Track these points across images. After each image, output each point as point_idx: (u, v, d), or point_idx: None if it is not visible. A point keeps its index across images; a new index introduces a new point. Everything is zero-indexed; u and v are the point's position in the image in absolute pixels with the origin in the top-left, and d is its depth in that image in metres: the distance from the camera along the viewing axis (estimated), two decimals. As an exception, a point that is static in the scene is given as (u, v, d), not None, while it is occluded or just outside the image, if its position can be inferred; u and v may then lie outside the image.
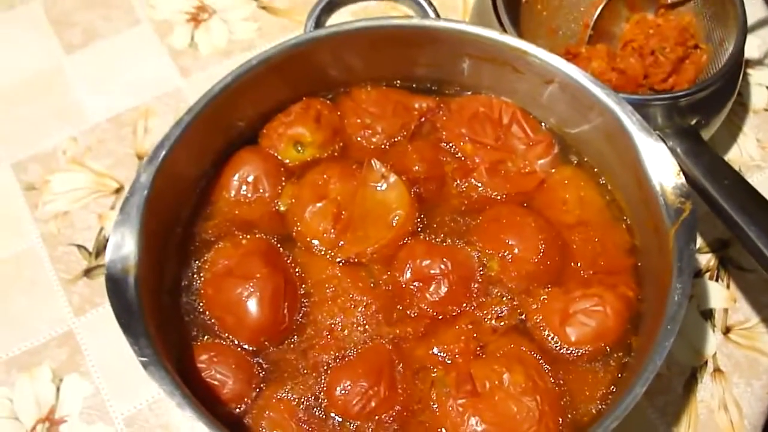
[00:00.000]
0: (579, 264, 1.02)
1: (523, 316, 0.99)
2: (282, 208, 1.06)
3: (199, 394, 0.86)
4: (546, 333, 0.97)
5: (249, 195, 1.06)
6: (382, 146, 1.12)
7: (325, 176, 1.05)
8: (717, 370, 1.14)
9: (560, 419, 0.91)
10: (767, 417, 1.13)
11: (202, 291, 0.99)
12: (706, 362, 1.15)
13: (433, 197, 1.07)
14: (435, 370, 0.94)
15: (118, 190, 1.28)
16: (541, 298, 0.99)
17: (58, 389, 1.12)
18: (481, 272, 1.01)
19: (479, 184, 1.08)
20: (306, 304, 0.99)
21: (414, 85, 1.17)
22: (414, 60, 1.13)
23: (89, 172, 1.30)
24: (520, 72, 1.07)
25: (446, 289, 0.97)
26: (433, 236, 1.03)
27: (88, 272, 1.21)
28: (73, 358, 1.14)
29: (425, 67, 1.14)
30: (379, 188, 1.03)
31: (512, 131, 1.12)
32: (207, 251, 1.02)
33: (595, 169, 1.10)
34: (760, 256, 1.01)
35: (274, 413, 0.92)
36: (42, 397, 1.11)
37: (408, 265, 0.99)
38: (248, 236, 1.02)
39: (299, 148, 1.10)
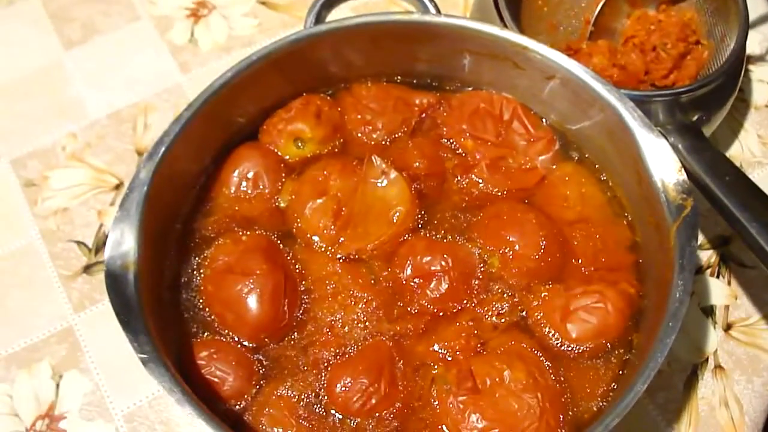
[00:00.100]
0: (580, 261, 1.02)
1: (524, 313, 0.99)
2: (282, 205, 1.06)
3: (199, 391, 0.86)
4: (547, 330, 0.97)
5: (249, 191, 1.06)
6: (383, 142, 1.11)
7: (325, 172, 1.04)
8: (718, 366, 1.14)
9: (561, 416, 0.90)
10: (768, 414, 1.13)
11: (201, 287, 0.99)
12: (707, 359, 1.15)
13: (434, 193, 1.07)
14: (435, 367, 0.94)
15: (117, 187, 1.28)
16: (542, 295, 0.99)
17: (57, 386, 1.12)
18: (482, 269, 1.00)
19: (480, 181, 1.08)
20: (306, 300, 0.99)
21: (414, 81, 1.17)
22: (414, 56, 1.13)
23: (89, 168, 1.30)
24: (521, 68, 1.07)
25: (447, 285, 0.97)
26: (434, 233, 1.03)
27: (87, 269, 1.20)
28: (73, 354, 1.14)
29: (426, 62, 1.13)
30: (379, 184, 1.02)
31: (513, 127, 1.12)
32: (207, 247, 1.02)
33: (597, 166, 1.10)
34: (761, 253, 1.01)
35: (274, 410, 0.92)
36: (42, 393, 1.11)
37: (408, 262, 0.99)
38: (248, 232, 1.02)
39: (299, 144, 1.09)
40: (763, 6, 1.47)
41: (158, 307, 0.93)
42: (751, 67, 1.43)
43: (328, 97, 1.14)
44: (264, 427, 0.91)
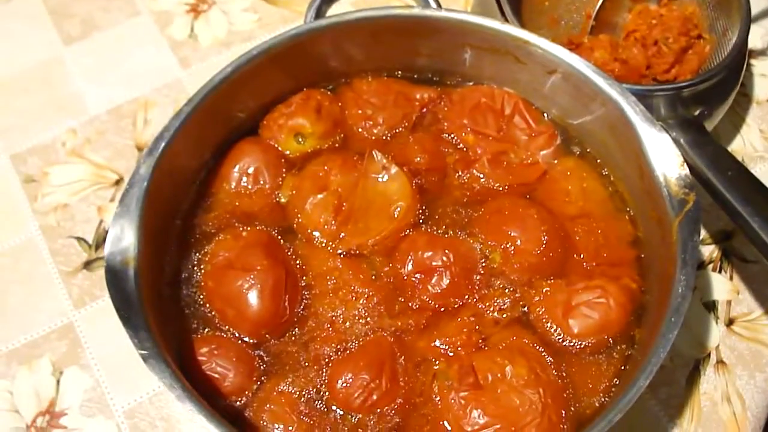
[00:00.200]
0: (582, 256, 1.01)
1: (525, 308, 0.98)
2: (283, 200, 1.05)
3: (200, 387, 0.85)
4: (549, 325, 0.97)
5: (249, 186, 1.05)
6: (384, 137, 1.11)
7: (325, 167, 1.04)
8: (720, 362, 1.14)
9: (563, 412, 0.90)
10: (770, 409, 1.13)
11: (202, 283, 0.99)
12: (709, 354, 1.14)
13: (435, 188, 1.07)
14: (437, 362, 0.94)
15: (117, 182, 1.28)
16: (544, 290, 0.98)
17: (58, 382, 1.11)
18: (484, 264, 1.00)
19: (481, 176, 1.07)
20: (307, 296, 0.98)
21: (415, 76, 1.17)
22: (415, 50, 1.12)
23: (89, 164, 1.29)
24: (522, 62, 1.07)
25: (448, 281, 0.97)
26: (435, 228, 1.03)
27: (87, 265, 1.20)
28: (73, 350, 1.13)
29: (427, 57, 1.13)
30: (380, 179, 1.02)
31: (514, 122, 1.11)
32: (207, 243, 1.02)
33: (598, 160, 1.09)
34: (763, 247, 1.00)
35: (275, 406, 0.92)
36: (42, 389, 1.11)
37: (410, 257, 0.98)
38: (249, 228, 1.02)
39: (300, 140, 1.09)
40: (765, 0, 1.46)
41: (158, 303, 0.93)
42: (753, 61, 1.43)
43: (329, 92, 1.14)
44: (265, 424, 0.91)
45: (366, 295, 0.98)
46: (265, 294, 0.94)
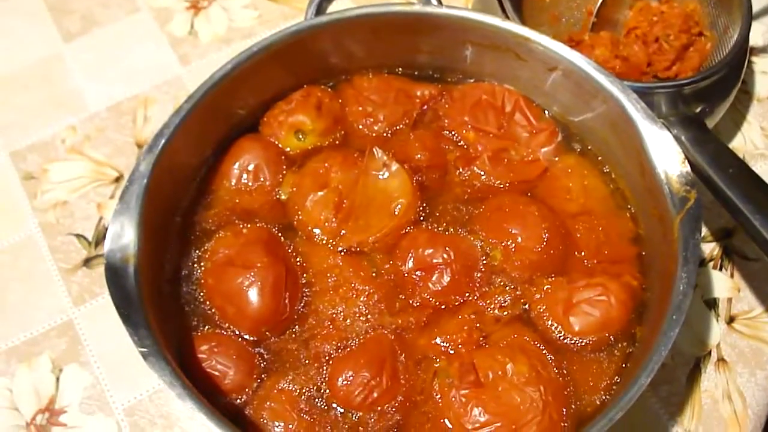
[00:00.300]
0: (583, 253, 1.01)
1: (526, 306, 0.98)
2: (283, 197, 1.05)
3: (200, 385, 0.85)
4: (549, 323, 0.96)
5: (250, 183, 1.05)
6: (384, 134, 1.11)
7: (326, 165, 1.04)
8: (721, 360, 1.14)
9: (564, 410, 0.90)
10: (771, 407, 1.13)
11: (202, 280, 0.99)
12: (709, 352, 1.14)
13: (436, 186, 1.06)
14: (438, 360, 0.94)
15: (117, 179, 1.27)
16: (545, 288, 0.98)
17: (57, 379, 1.11)
18: (484, 261, 1.00)
19: (482, 173, 1.07)
20: (307, 293, 0.98)
21: (416, 73, 1.16)
22: (416, 47, 1.12)
23: (88, 161, 1.29)
24: (523, 59, 1.06)
25: (449, 278, 0.97)
26: (436, 225, 1.03)
27: (87, 262, 1.20)
28: (73, 348, 1.13)
29: (427, 54, 1.13)
30: (381, 177, 1.02)
31: (515, 119, 1.11)
32: (207, 240, 1.01)
33: (599, 158, 1.09)
34: (764, 245, 1.00)
35: (275, 404, 0.91)
36: (42, 387, 1.11)
37: (410, 255, 0.98)
38: (249, 225, 1.02)
39: (300, 136, 1.09)
40: (766, -3, 1.46)
41: (158, 301, 0.93)
42: (754, 58, 1.43)
43: (329, 89, 1.14)
44: (265, 421, 0.91)
45: (366, 293, 0.97)
46: (266, 291, 0.94)
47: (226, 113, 1.06)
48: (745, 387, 1.12)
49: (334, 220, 1.01)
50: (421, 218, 1.03)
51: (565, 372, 0.94)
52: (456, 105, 1.12)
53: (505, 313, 0.97)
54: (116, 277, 0.86)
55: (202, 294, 0.98)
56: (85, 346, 1.13)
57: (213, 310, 0.97)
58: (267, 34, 1.05)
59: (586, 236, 1.02)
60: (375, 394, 0.90)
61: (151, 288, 0.91)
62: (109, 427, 1.08)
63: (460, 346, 0.94)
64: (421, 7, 1.07)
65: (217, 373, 0.92)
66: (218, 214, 1.04)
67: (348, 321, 0.96)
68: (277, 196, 1.05)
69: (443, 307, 0.97)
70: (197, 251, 1.01)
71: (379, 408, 0.91)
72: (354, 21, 1.06)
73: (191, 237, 1.03)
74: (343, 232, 1.01)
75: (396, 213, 1.01)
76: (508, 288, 0.99)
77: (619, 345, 0.96)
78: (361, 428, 0.91)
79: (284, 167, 1.07)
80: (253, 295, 0.94)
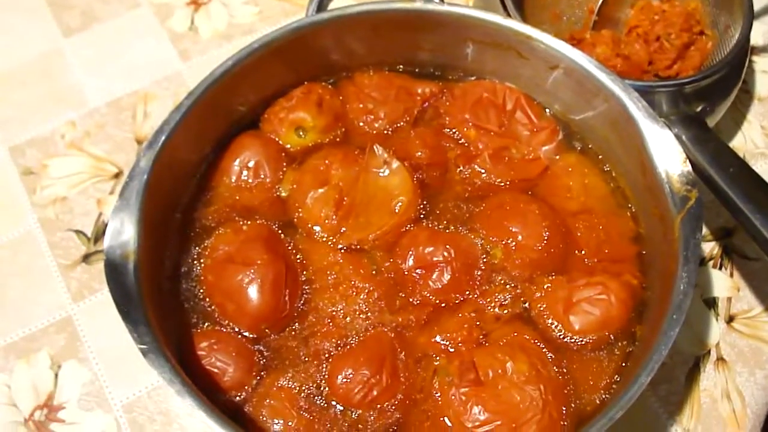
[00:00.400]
0: (583, 252, 1.01)
1: (526, 305, 0.98)
2: (283, 194, 1.05)
3: (199, 382, 0.85)
4: (550, 321, 0.96)
5: (250, 180, 1.05)
6: (385, 132, 1.11)
7: (326, 162, 1.04)
8: (720, 359, 1.14)
9: (564, 408, 0.90)
10: (770, 407, 1.13)
11: (202, 277, 0.99)
12: (709, 351, 1.14)
13: (436, 183, 1.06)
14: (438, 358, 0.94)
15: (117, 175, 1.27)
16: (545, 286, 0.98)
17: (56, 376, 1.11)
18: (485, 260, 1.00)
19: (483, 171, 1.07)
20: (307, 291, 0.98)
21: (417, 70, 1.16)
22: (417, 44, 1.12)
23: (88, 157, 1.29)
24: (525, 57, 1.06)
25: (449, 276, 0.97)
26: (436, 223, 1.03)
27: (86, 258, 1.20)
28: (72, 344, 1.13)
29: (429, 51, 1.13)
30: (381, 174, 1.02)
31: (516, 117, 1.11)
32: (207, 237, 1.01)
33: (600, 156, 1.09)
34: (764, 244, 1.00)
35: (274, 401, 0.91)
36: (40, 383, 1.10)
37: (410, 252, 0.98)
38: (249, 222, 1.02)
39: (301, 133, 1.09)
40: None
41: (158, 297, 0.92)
42: (754, 58, 1.43)
43: (330, 86, 1.13)
44: (264, 419, 0.91)
45: (366, 291, 0.97)
46: (266, 288, 0.94)
47: (226, 110, 1.06)
48: (744, 386, 1.12)
49: (334, 217, 1.00)
50: (422, 216, 1.03)
51: (565, 371, 0.94)
52: (457, 103, 1.12)
53: (506, 311, 0.97)
54: (116, 273, 0.86)
55: (201, 291, 0.98)
56: (83, 343, 1.13)
57: (213, 307, 0.97)
58: (268, 30, 1.05)
59: (587, 235, 1.02)
60: (375, 392, 0.90)
61: (151, 285, 0.90)
62: (107, 424, 1.08)
63: (460, 344, 0.94)
64: (422, 5, 1.06)
65: (216, 371, 0.92)
66: (218, 210, 1.04)
67: (348, 318, 0.96)
68: (278, 193, 1.05)
69: (443, 305, 0.97)
70: (197, 248, 1.01)
71: (378, 406, 0.91)
72: (355, 18, 1.05)
73: (191, 234, 1.02)
74: (344, 229, 1.00)
75: (396, 211, 1.00)
76: (508, 286, 0.99)
77: (619, 344, 0.96)
78: (360, 426, 0.91)
79: (284, 164, 1.07)
80: (253, 292, 0.93)
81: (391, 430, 0.91)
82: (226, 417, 0.81)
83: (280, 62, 1.06)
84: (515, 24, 1.04)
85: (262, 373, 0.94)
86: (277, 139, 1.09)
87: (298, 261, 1.00)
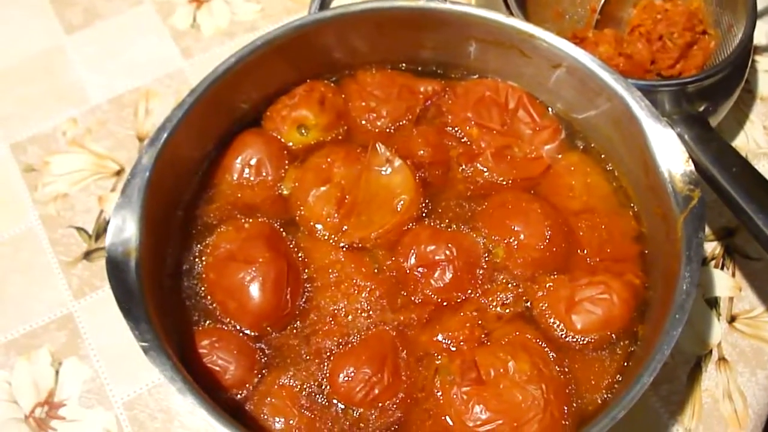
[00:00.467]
0: (585, 251, 1.01)
1: (528, 304, 0.98)
2: (285, 192, 1.05)
3: (200, 380, 0.85)
4: (552, 321, 0.96)
5: (252, 178, 1.05)
6: (387, 130, 1.11)
7: (329, 160, 1.04)
8: (722, 359, 1.13)
9: (565, 408, 0.90)
10: (772, 407, 1.12)
11: (203, 275, 0.99)
12: (710, 351, 1.14)
13: (439, 182, 1.06)
14: (439, 357, 0.94)
15: (118, 173, 1.27)
16: (547, 286, 0.98)
17: (57, 373, 1.11)
18: (487, 258, 1.00)
19: (485, 170, 1.07)
20: (309, 289, 0.98)
21: (419, 69, 1.16)
22: (420, 43, 1.12)
23: (89, 154, 1.29)
24: (527, 56, 1.06)
25: (451, 275, 0.97)
26: (438, 222, 1.02)
27: (87, 255, 1.20)
28: (73, 341, 1.13)
29: (431, 50, 1.13)
30: (383, 172, 1.02)
31: (519, 116, 1.11)
32: (209, 235, 1.01)
33: (602, 155, 1.09)
34: (767, 244, 1.00)
35: (276, 400, 0.91)
36: (41, 380, 1.10)
37: (412, 251, 0.98)
38: (251, 220, 1.02)
39: (303, 131, 1.08)
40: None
41: (159, 295, 0.92)
42: (757, 57, 1.42)
43: (332, 84, 1.13)
44: (266, 417, 0.90)
45: (368, 289, 0.97)
46: (267, 286, 0.94)
47: (228, 107, 1.06)
48: (745, 386, 1.11)
49: (336, 215, 1.00)
50: (424, 215, 1.03)
51: (566, 370, 0.94)
52: (459, 101, 1.12)
53: (507, 310, 0.97)
54: (117, 270, 0.86)
55: (203, 289, 0.98)
56: (84, 340, 1.13)
57: (214, 305, 0.97)
58: (270, 28, 1.05)
59: (589, 234, 1.02)
60: (376, 391, 0.90)
61: (152, 282, 0.90)
62: (108, 421, 1.08)
63: (461, 343, 0.94)
64: (425, 3, 1.06)
65: (217, 369, 0.92)
66: (220, 208, 1.04)
67: (349, 317, 0.96)
68: (279, 191, 1.05)
69: (445, 303, 0.97)
70: (199, 245, 1.01)
71: (380, 404, 0.91)
72: (358, 16, 1.05)
73: (193, 231, 1.02)
74: (345, 227, 1.00)
75: (398, 209, 1.00)
76: (510, 285, 0.99)
77: (621, 343, 0.96)
78: (362, 425, 0.90)
79: (286, 162, 1.07)
80: (255, 290, 0.93)
81: (392, 428, 0.91)
82: (227, 415, 0.81)
83: (282, 60, 1.06)
84: (518, 22, 1.04)
85: (264, 372, 0.94)
86: (279, 136, 1.08)
87: (300, 259, 1.00)
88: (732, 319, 1.17)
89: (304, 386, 0.92)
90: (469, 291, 0.98)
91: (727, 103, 1.20)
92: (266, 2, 1.47)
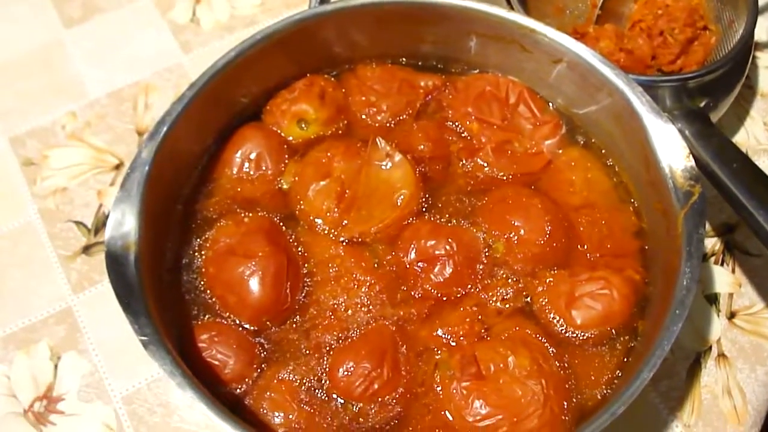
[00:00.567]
0: (585, 246, 1.01)
1: (528, 299, 0.98)
2: (285, 186, 1.05)
3: (200, 374, 0.85)
4: (552, 316, 0.96)
5: (251, 172, 1.05)
6: (387, 124, 1.11)
7: (329, 154, 1.03)
8: (721, 355, 1.13)
9: (565, 403, 0.90)
10: (771, 403, 1.12)
11: (203, 269, 0.98)
12: (710, 347, 1.14)
13: (439, 177, 1.06)
14: (439, 352, 0.93)
15: (117, 167, 1.27)
16: (547, 281, 0.98)
17: (56, 367, 1.11)
18: (487, 253, 1.00)
19: (485, 164, 1.07)
20: (309, 283, 0.98)
21: (420, 63, 1.16)
22: (420, 37, 1.12)
23: (88, 148, 1.28)
24: (528, 51, 1.06)
25: (451, 270, 0.96)
26: (438, 216, 1.02)
27: (86, 249, 1.19)
28: (72, 335, 1.13)
29: (431, 44, 1.12)
30: (383, 167, 1.01)
31: (519, 111, 1.11)
32: (208, 229, 1.01)
33: (603, 151, 1.09)
34: (767, 240, 1.00)
35: (275, 394, 0.91)
36: (40, 374, 1.10)
37: (412, 246, 0.98)
38: (250, 214, 1.01)
39: (303, 126, 1.08)
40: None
41: (159, 289, 0.92)
42: (758, 53, 1.42)
43: (333, 78, 1.13)
44: (265, 411, 0.90)
45: (368, 284, 0.97)
46: (267, 281, 0.93)
47: (228, 101, 1.06)
48: (745, 383, 1.11)
49: (336, 210, 1.00)
50: (424, 209, 1.03)
51: (566, 365, 0.93)
52: (460, 96, 1.12)
53: (507, 305, 0.97)
54: (117, 264, 0.85)
55: (202, 283, 0.98)
56: (83, 334, 1.13)
57: (214, 299, 0.97)
58: (269, 22, 1.04)
59: (589, 229, 1.02)
60: (376, 386, 0.90)
61: (152, 276, 0.90)
62: (107, 416, 1.08)
63: (461, 338, 0.94)
64: (425, -3, 1.06)
65: (217, 363, 0.91)
66: (220, 202, 1.03)
67: (349, 311, 0.96)
68: (279, 186, 1.05)
69: (445, 298, 0.97)
70: (198, 240, 1.01)
71: (379, 399, 0.90)
72: (358, 10, 1.05)
73: (192, 225, 1.02)
74: (345, 222, 1.00)
75: (398, 204, 1.00)
76: (510, 280, 0.98)
77: (621, 339, 0.96)
78: (361, 419, 0.90)
79: (286, 156, 1.07)
80: (254, 284, 0.93)
81: (392, 423, 0.91)
82: (226, 409, 0.81)
83: (282, 54, 1.06)
84: (518, 17, 1.04)
85: (263, 366, 0.94)
86: (279, 131, 1.08)
87: (300, 253, 1.00)
88: (732, 316, 1.17)
89: (304, 381, 0.92)
90: (469, 286, 0.98)
91: (727, 99, 1.20)
92: (266, -4, 1.47)
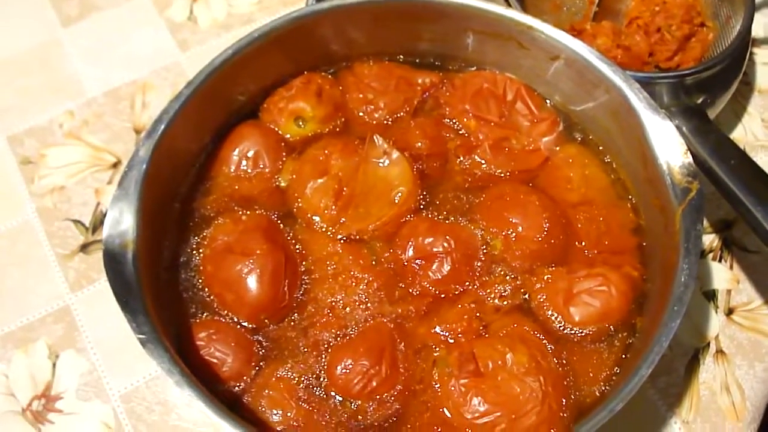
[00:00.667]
0: (583, 243, 1.01)
1: (526, 296, 0.98)
2: (282, 184, 1.05)
3: (198, 372, 0.85)
4: (550, 313, 0.96)
5: (249, 170, 1.05)
6: (385, 122, 1.11)
7: (326, 152, 1.03)
8: (719, 351, 1.13)
9: (563, 400, 0.89)
10: (769, 399, 1.12)
11: (201, 267, 0.98)
12: (708, 344, 1.14)
13: (436, 174, 1.06)
14: (437, 349, 0.93)
15: (115, 165, 1.27)
16: (545, 278, 0.98)
17: (54, 365, 1.11)
18: (485, 251, 1.00)
19: (483, 161, 1.07)
20: (306, 281, 0.98)
21: (417, 60, 1.16)
22: (418, 34, 1.12)
23: (86, 146, 1.28)
24: (525, 48, 1.06)
25: (449, 267, 0.96)
26: (436, 214, 1.02)
27: (84, 248, 1.19)
28: (70, 334, 1.13)
29: (429, 41, 1.12)
30: (381, 164, 1.01)
31: (516, 108, 1.11)
32: (206, 227, 1.01)
33: (600, 147, 1.09)
34: (765, 237, 1.00)
35: (273, 392, 0.91)
36: (38, 373, 1.10)
37: (410, 243, 0.98)
38: (248, 212, 1.01)
39: (300, 123, 1.08)
40: (768, -12, 1.46)
41: (157, 287, 0.92)
42: (755, 50, 1.42)
43: (330, 76, 1.13)
44: (263, 409, 0.90)
45: (366, 281, 0.97)
46: (265, 279, 0.93)
47: (226, 99, 1.06)
48: (743, 379, 1.11)
49: (333, 207, 1.00)
50: (422, 207, 1.02)
51: (564, 362, 0.93)
52: (457, 93, 1.12)
53: (505, 302, 0.97)
54: (115, 263, 0.85)
55: (200, 281, 0.98)
56: (81, 332, 1.13)
57: (212, 297, 0.97)
58: (267, 20, 1.04)
59: (587, 226, 1.02)
60: (374, 383, 0.90)
61: (150, 274, 0.90)
62: (105, 414, 1.08)
63: (459, 335, 0.94)
64: (422, -6, 1.06)
65: (215, 361, 0.91)
66: (217, 200, 1.03)
67: (347, 309, 0.96)
68: (277, 183, 1.05)
69: (443, 296, 0.97)
70: (196, 238, 1.00)
71: (378, 397, 0.90)
72: (355, 7, 1.05)
73: (190, 223, 1.02)
74: (343, 219, 1.00)
75: (396, 201, 1.00)
76: (508, 277, 0.98)
77: (619, 336, 0.96)
78: (359, 417, 0.90)
79: (284, 154, 1.06)
80: (252, 282, 0.93)
81: (390, 421, 0.91)
82: (224, 407, 0.81)
83: (279, 52, 1.06)
84: (516, 14, 1.04)
85: (261, 364, 0.94)
86: (276, 128, 1.08)
87: (298, 251, 0.99)
88: (730, 312, 1.17)
89: (302, 378, 0.92)
90: (467, 283, 0.98)
91: (725, 96, 1.20)
92: (263, -6, 1.47)
